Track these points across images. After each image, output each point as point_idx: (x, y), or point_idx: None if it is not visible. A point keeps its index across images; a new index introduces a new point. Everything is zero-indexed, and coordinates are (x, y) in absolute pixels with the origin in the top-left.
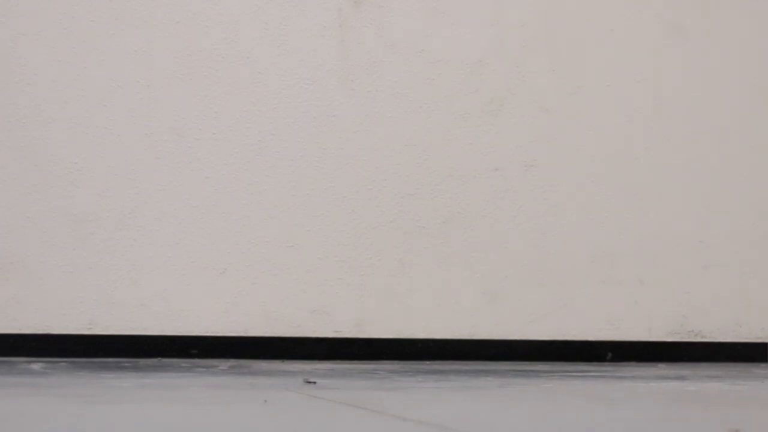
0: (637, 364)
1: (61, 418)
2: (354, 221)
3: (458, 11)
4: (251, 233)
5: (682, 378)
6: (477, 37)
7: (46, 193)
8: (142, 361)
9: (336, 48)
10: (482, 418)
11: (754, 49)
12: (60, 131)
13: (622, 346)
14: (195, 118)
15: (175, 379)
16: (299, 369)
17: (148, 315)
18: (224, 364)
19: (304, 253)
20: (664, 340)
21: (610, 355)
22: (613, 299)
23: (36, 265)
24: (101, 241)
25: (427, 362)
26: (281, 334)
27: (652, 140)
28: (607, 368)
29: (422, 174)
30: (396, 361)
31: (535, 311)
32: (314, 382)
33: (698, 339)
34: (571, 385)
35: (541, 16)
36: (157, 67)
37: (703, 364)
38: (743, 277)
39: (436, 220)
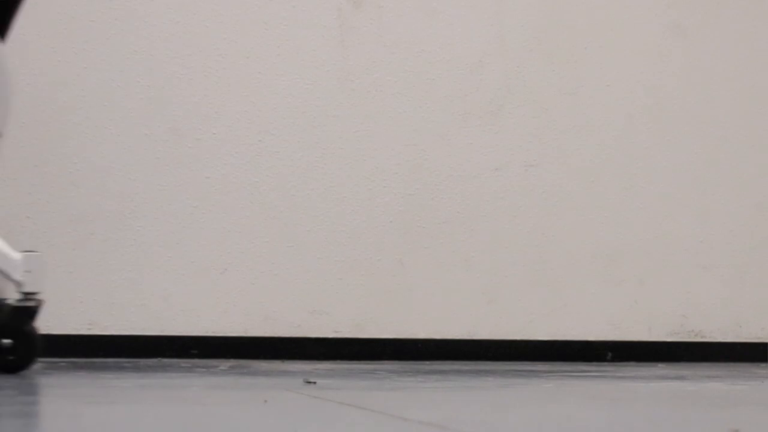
0: (637, 364)
1: (61, 418)
2: (354, 221)
3: (458, 11)
4: (251, 233)
5: (682, 378)
6: (477, 37)
7: (46, 193)
8: (142, 361)
9: (336, 48)
10: (482, 418)
11: (755, 49)
12: (60, 131)
13: (622, 346)
14: (195, 118)
15: (175, 379)
16: (299, 369)
17: (148, 315)
18: (224, 364)
19: (304, 253)
20: (664, 340)
21: (610, 355)
22: (613, 299)
23: None
24: (101, 241)
25: (427, 362)
26: (281, 334)
27: (652, 140)
28: (607, 368)
29: (422, 174)
30: (396, 361)
31: (535, 311)
32: (314, 382)
33: (698, 339)
34: (571, 385)
35: (542, 16)
36: (157, 67)
37: (703, 364)
38: (743, 277)
39: (436, 220)
